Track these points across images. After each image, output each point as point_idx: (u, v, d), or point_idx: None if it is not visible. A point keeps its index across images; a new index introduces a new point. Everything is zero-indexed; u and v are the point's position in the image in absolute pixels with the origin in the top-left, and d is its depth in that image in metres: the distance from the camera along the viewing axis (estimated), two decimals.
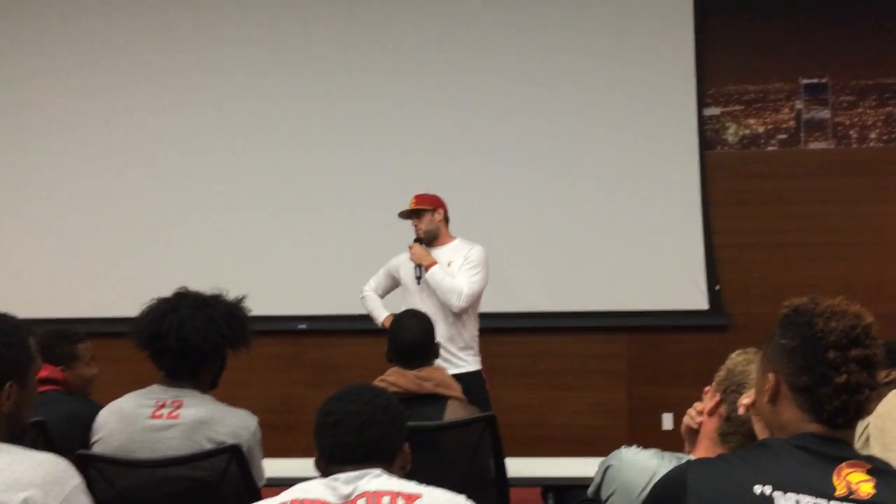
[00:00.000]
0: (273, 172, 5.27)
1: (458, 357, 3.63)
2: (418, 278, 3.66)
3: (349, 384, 1.61)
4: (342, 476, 1.42)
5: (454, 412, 2.43)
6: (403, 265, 3.81)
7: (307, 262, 5.16)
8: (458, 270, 3.64)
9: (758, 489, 1.26)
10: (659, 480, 1.37)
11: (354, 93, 5.25)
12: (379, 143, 5.21)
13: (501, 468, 2.31)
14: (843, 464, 1.29)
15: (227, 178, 5.29)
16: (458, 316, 3.63)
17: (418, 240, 3.71)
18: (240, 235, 5.23)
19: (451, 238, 3.79)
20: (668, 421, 4.98)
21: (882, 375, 2.69)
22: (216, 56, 5.35)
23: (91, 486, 2.05)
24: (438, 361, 3.52)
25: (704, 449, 1.75)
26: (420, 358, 2.61)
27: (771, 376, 1.39)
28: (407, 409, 2.50)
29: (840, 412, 1.33)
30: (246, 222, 5.25)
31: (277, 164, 5.27)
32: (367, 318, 4.21)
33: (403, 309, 3.69)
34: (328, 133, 5.25)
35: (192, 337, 2.13)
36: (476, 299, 3.66)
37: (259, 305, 4.65)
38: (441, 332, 3.55)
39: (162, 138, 5.34)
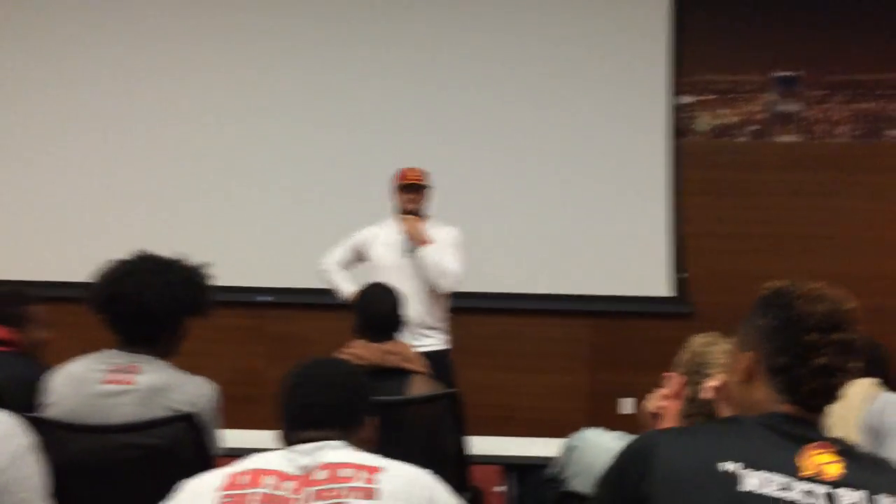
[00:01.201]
0: (242, 142, 5.17)
1: (428, 335, 3.61)
2: (408, 252, 3.59)
3: (314, 357, 1.60)
4: (301, 447, 1.38)
5: (419, 388, 2.40)
6: (373, 241, 3.72)
7: (271, 234, 5.08)
8: (443, 251, 3.60)
9: (722, 466, 1.24)
10: (628, 445, 1.35)
11: (328, 66, 5.16)
12: (350, 116, 5.13)
13: (463, 445, 2.28)
14: (810, 444, 1.28)
15: (194, 146, 5.18)
16: (434, 295, 3.59)
17: (410, 213, 3.64)
18: (205, 205, 5.13)
19: (427, 217, 3.74)
20: (627, 406, 5.00)
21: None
22: (186, 30, 5.23)
23: (42, 450, 1.99)
24: (408, 338, 3.54)
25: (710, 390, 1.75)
26: (389, 331, 2.58)
27: (748, 355, 1.38)
28: (371, 383, 2.47)
29: (814, 394, 1.33)
30: (212, 192, 5.14)
31: (247, 134, 5.16)
32: (330, 293, 4.16)
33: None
34: (298, 104, 5.16)
35: (149, 302, 2.05)
36: None
37: (222, 276, 4.59)
38: (415, 311, 3.53)
39: (129, 102, 5.21)
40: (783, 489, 1.22)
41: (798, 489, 1.22)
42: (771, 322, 1.36)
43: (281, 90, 5.16)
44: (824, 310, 1.33)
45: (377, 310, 2.62)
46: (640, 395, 5.09)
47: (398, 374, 2.42)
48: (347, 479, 1.31)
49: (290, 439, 1.43)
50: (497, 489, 3.65)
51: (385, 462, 1.37)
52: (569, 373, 5.05)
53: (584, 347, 5.08)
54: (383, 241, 3.69)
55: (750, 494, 1.22)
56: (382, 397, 2.18)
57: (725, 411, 1.74)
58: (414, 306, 3.54)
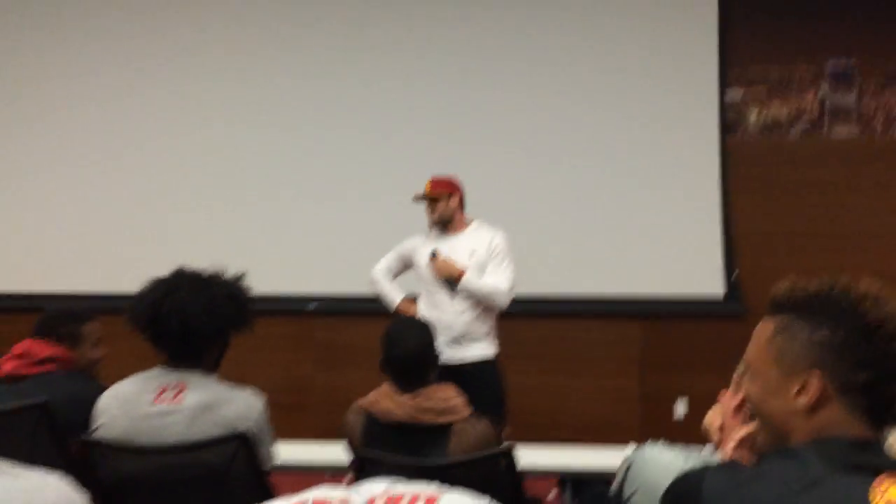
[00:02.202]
0: (284, 149, 5.19)
1: (476, 344, 3.56)
2: (450, 289, 3.51)
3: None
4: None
5: (459, 442, 2.16)
6: (419, 250, 3.68)
7: (317, 241, 5.09)
8: (486, 262, 3.53)
9: None
10: (672, 484, 1.22)
11: (367, 70, 5.16)
12: (393, 121, 5.12)
13: (519, 495, 2.09)
14: (883, 475, 1.10)
15: (236, 155, 5.21)
16: (480, 306, 3.55)
17: (433, 254, 3.56)
18: (249, 213, 5.16)
19: (467, 223, 3.67)
20: (680, 409, 4.91)
21: None
22: (222, 34, 5.27)
23: (95, 471, 2.00)
24: (453, 351, 3.49)
25: (732, 450, 1.67)
26: (417, 376, 2.24)
27: (814, 377, 1.18)
28: (401, 438, 2.22)
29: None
30: (256, 200, 5.18)
31: (288, 141, 5.19)
32: (376, 300, 4.11)
33: (421, 293, 3.65)
34: (340, 110, 5.16)
35: (193, 320, 2.05)
36: None
37: (268, 284, 4.61)
38: (465, 322, 3.51)
39: (169, 112, 5.27)
40: None
41: None
42: (835, 334, 1.18)
43: (324, 95, 5.16)
44: None
45: (401, 352, 2.29)
46: (693, 398, 5.02)
47: (436, 430, 2.17)
48: None
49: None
50: (550, 497, 3.60)
51: (443, 491, 1.31)
52: (619, 376, 4.96)
53: (634, 350, 4.99)
54: (427, 250, 3.63)
55: None
56: (422, 461, 1.99)
57: (731, 447, 1.64)
58: (460, 317, 3.51)
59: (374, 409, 2.26)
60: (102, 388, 2.17)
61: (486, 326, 3.60)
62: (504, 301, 3.52)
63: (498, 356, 3.64)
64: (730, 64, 4.97)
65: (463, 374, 3.45)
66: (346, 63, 5.17)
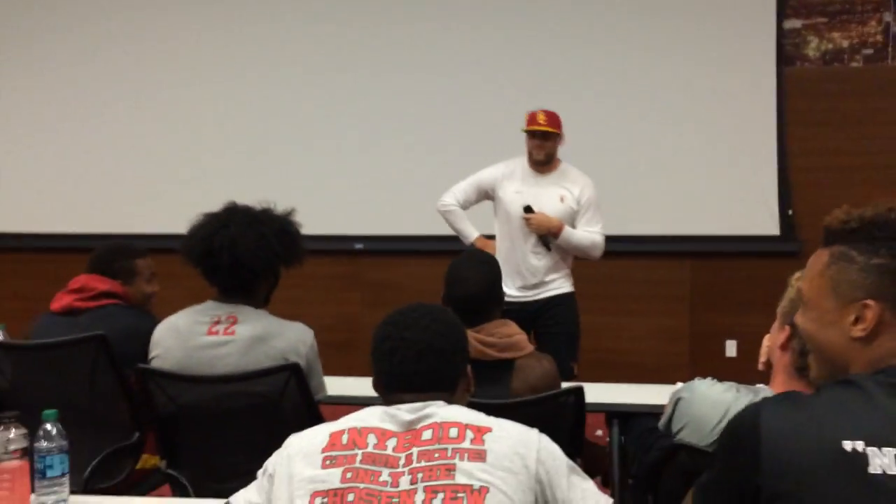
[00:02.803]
0: (330, 91, 5.17)
1: (556, 281, 3.53)
2: (547, 245, 3.43)
3: (406, 305, 1.47)
4: (404, 406, 1.33)
5: (523, 378, 2.12)
6: (504, 184, 3.50)
7: (364, 182, 5.09)
8: (575, 212, 3.46)
9: (848, 445, 1.05)
10: (729, 422, 1.20)
11: (418, 12, 5.08)
12: (445, 62, 5.04)
13: (580, 439, 2.11)
14: None
15: (284, 98, 5.21)
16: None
17: (528, 209, 3.40)
18: (296, 155, 5.18)
19: (559, 161, 3.52)
20: (731, 348, 4.86)
21: None
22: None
23: (152, 400, 2.06)
24: (532, 290, 3.45)
25: (782, 384, 1.65)
26: (480, 315, 2.14)
27: (871, 304, 1.16)
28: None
29: None
30: (303, 141, 5.19)
31: (334, 83, 5.16)
32: (422, 240, 4.09)
33: (497, 227, 3.55)
34: (387, 53, 5.11)
35: (244, 255, 2.07)
36: None
37: (316, 225, 4.65)
38: (549, 259, 3.47)
39: (218, 55, 5.28)
40: None
41: None
42: (893, 259, 1.16)
43: (380, 42, 5.10)
44: None
45: (464, 292, 2.15)
46: (745, 337, 4.95)
47: (499, 365, 2.11)
48: (454, 439, 1.26)
49: (389, 399, 1.38)
50: (598, 432, 3.62)
51: (493, 421, 1.31)
52: (671, 315, 4.92)
53: (685, 289, 4.93)
54: (516, 187, 3.49)
55: (883, 477, 1.04)
56: (483, 400, 1.85)
57: (780, 382, 1.61)
58: (542, 255, 3.47)
59: None
60: (157, 322, 2.22)
61: (564, 266, 3.55)
62: (598, 254, 3.48)
63: (574, 294, 3.61)
64: None
65: (539, 309, 3.45)
66: (392, 2, 5.10)
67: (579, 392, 2.07)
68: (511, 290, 3.35)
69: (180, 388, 2.03)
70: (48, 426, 1.56)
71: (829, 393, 1.14)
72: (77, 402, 2.24)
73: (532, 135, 3.44)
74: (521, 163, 3.54)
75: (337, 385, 2.49)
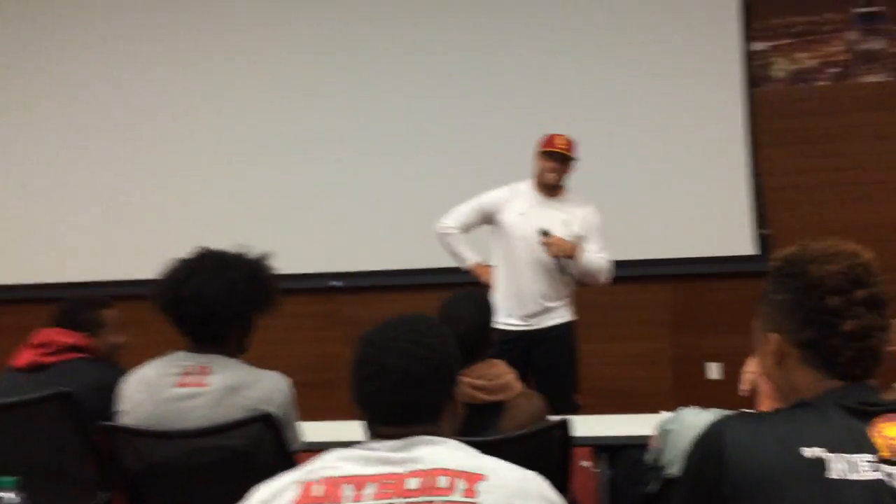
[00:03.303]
0: (303, 124, 5.12)
1: (554, 309, 3.48)
2: (562, 270, 3.38)
3: (387, 321, 1.35)
4: (385, 444, 1.21)
5: (511, 418, 2.10)
6: (507, 207, 3.46)
7: (340, 218, 5.03)
8: (580, 236, 3.44)
9: (807, 452, 1.11)
10: (695, 440, 1.24)
11: (385, 42, 5.06)
12: (413, 93, 5.02)
13: (565, 474, 2.06)
14: (878, 417, 1.16)
15: (254, 132, 5.15)
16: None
17: (545, 232, 3.37)
18: (270, 192, 5.11)
19: (563, 189, 3.51)
20: (713, 371, 4.82)
21: None
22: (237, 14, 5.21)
23: (119, 458, 1.97)
24: (534, 319, 3.40)
25: (768, 408, 1.62)
26: (471, 355, 2.09)
27: (772, 337, 1.26)
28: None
29: (855, 362, 1.20)
30: (276, 177, 5.12)
31: (307, 116, 5.12)
32: (403, 274, 4.04)
33: (497, 252, 3.50)
34: (362, 83, 5.07)
35: (212, 304, 1.99)
36: None
37: (293, 264, 4.57)
38: (550, 288, 3.42)
39: (185, 92, 5.22)
40: (873, 471, 1.10)
41: (884, 470, 1.11)
42: (787, 295, 1.24)
43: (354, 73, 5.07)
44: (839, 268, 1.20)
45: (457, 332, 2.18)
46: (727, 358, 4.92)
47: (489, 408, 2.09)
48: (443, 490, 1.13)
49: (369, 430, 1.28)
50: (584, 464, 3.55)
51: (487, 465, 1.20)
52: (651, 339, 4.88)
53: (665, 312, 4.90)
54: (518, 209, 3.45)
55: (842, 482, 1.09)
56: (468, 438, 1.92)
57: (766, 407, 1.61)
58: (547, 281, 3.40)
59: None
60: (126, 374, 2.14)
61: (565, 294, 3.50)
62: (606, 279, 3.45)
63: (575, 323, 3.55)
64: (753, 17, 4.82)
65: (539, 339, 3.39)
66: (366, 36, 5.07)
67: (564, 426, 2.03)
68: (511, 318, 3.29)
69: (149, 445, 1.95)
70: (8, 495, 1.48)
71: (785, 411, 1.22)
72: (42, 462, 2.16)
73: (550, 156, 3.41)
74: (525, 186, 3.50)
75: (316, 430, 2.41)
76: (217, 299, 2.00)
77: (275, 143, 5.13)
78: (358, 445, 1.24)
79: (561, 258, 3.35)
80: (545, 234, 3.35)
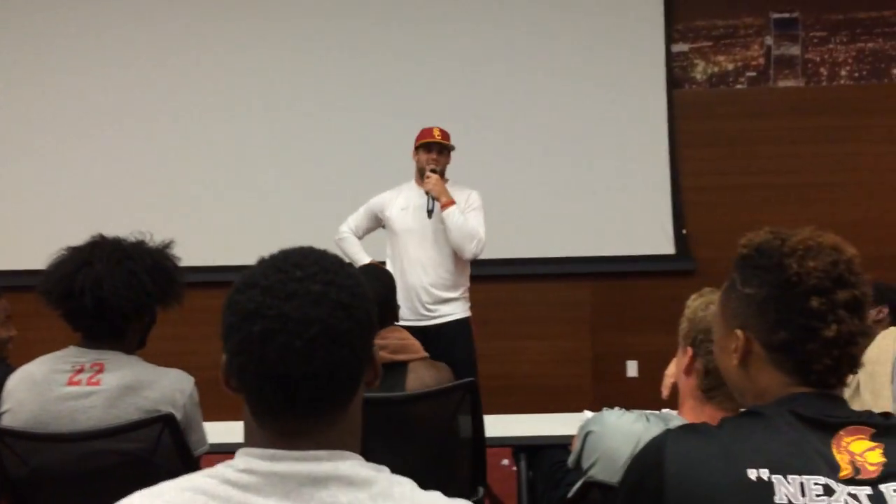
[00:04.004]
0: (232, 112, 4.94)
1: (449, 303, 3.43)
2: (430, 212, 3.33)
3: (282, 251, 0.96)
4: (280, 464, 0.87)
5: (417, 377, 2.14)
6: (390, 205, 3.48)
7: (248, 210, 4.87)
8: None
9: (753, 474, 1.01)
10: (634, 458, 1.15)
11: (330, 35, 4.94)
12: (349, 79, 4.90)
13: (479, 435, 2.05)
14: (842, 431, 1.05)
15: (176, 118, 4.94)
16: (455, 260, 3.40)
17: (433, 170, 3.36)
18: (176, 183, 4.91)
19: (446, 180, 3.49)
20: (632, 368, 4.86)
21: (872, 314, 2.57)
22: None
23: (1, 462, 1.80)
24: (425, 311, 3.35)
25: (691, 409, 1.58)
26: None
27: (739, 334, 1.14)
28: None
29: (832, 371, 1.09)
30: (182, 167, 4.92)
31: (237, 105, 4.94)
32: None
33: (388, 253, 3.49)
34: (296, 73, 4.93)
35: (111, 296, 1.82)
36: None
37: (203, 256, 4.38)
38: (436, 276, 3.36)
39: (131, 93, 4.96)
40: (825, 495, 0.99)
41: (841, 493, 1.00)
42: (759, 290, 1.11)
43: (292, 73, 4.93)
44: (822, 266, 1.08)
45: None
46: (645, 356, 4.98)
47: (392, 367, 2.11)
48: None
49: (260, 421, 0.91)
50: (504, 462, 3.50)
51: (400, 491, 0.89)
52: (571, 337, 4.89)
53: (584, 310, 4.91)
54: (401, 204, 3.46)
55: None
56: (382, 394, 1.95)
57: (689, 407, 1.56)
58: (435, 272, 3.35)
59: None
60: (11, 370, 1.96)
61: (458, 287, 3.46)
62: (476, 249, 3.37)
63: (470, 319, 3.51)
64: (675, 19, 4.87)
65: (434, 335, 3.32)
66: (314, 35, 4.93)
67: (473, 387, 2.04)
68: (405, 313, 3.23)
69: (34, 448, 1.78)
70: None
71: (733, 423, 1.10)
72: None
73: (428, 148, 3.41)
74: (408, 185, 3.52)
75: (224, 429, 2.28)
76: (116, 290, 1.83)
77: (199, 132, 4.93)
78: (229, 468, 0.89)
79: (431, 197, 3.33)
80: (432, 170, 3.36)
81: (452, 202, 3.32)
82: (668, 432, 1.13)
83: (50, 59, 4.98)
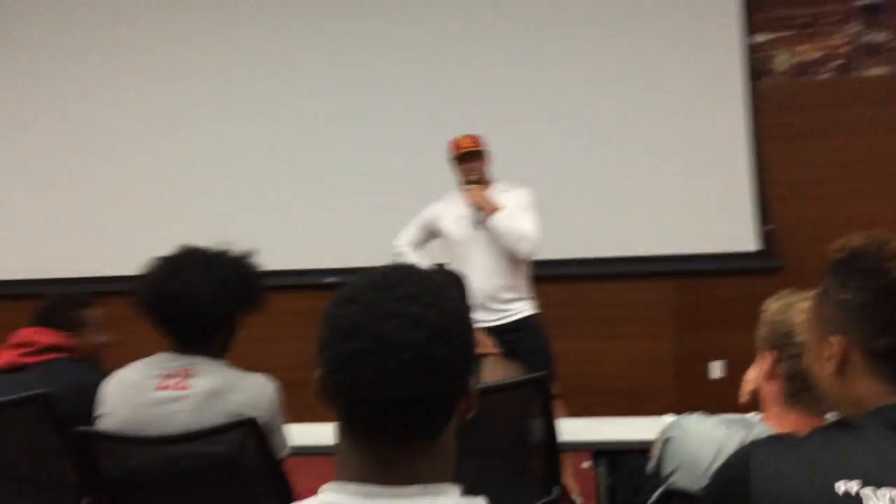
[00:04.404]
0: (297, 119, 5.04)
1: (511, 304, 3.44)
2: (477, 223, 3.37)
3: (380, 269, 0.94)
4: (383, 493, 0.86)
5: (493, 372, 2.16)
6: (443, 215, 3.54)
7: (332, 213, 4.95)
8: (513, 214, 3.40)
9: (840, 486, 0.98)
10: (719, 468, 1.14)
11: (383, 38, 4.98)
12: (410, 87, 4.93)
13: (551, 433, 2.05)
14: None
15: (246, 129, 5.07)
16: (514, 263, 3.41)
17: (472, 182, 3.42)
18: (261, 187, 5.02)
19: (492, 182, 3.53)
20: (716, 370, 4.74)
21: None
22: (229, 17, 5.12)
23: (97, 464, 1.89)
24: (489, 314, 3.34)
25: (775, 416, 1.54)
26: None
27: (835, 341, 1.11)
28: None
29: None
30: (267, 173, 5.03)
31: (301, 110, 5.03)
32: None
33: (448, 261, 3.49)
34: (356, 78, 4.99)
35: (199, 303, 1.91)
36: None
37: (284, 259, 4.47)
38: (498, 283, 3.37)
39: (175, 90, 5.13)
40: None
41: None
42: (859, 295, 1.09)
43: (348, 68, 4.98)
44: None
45: None
46: (729, 357, 4.85)
47: None
48: None
49: (351, 446, 0.90)
50: (585, 465, 3.47)
51: None
52: (653, 338, 4.80)
53: (667, 310, 4.82)
54: (452, 215, 3.50)
55: None
56: None
57: (774, 413, 1.52)
58: (492, 278, 3.36)
59: None
60: (107, 376, 2.06)
61: (518, 288, 3.46)
62: (529, 248, 3.36)
63: (538, 315, 3.52)
64: (754, 9, 4.73)
65: (503, 334, 3.32)
66: (354, 37, 4.98)
67: (541, 381, 2.03)
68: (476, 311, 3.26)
69: (127, 451, 1.86)
70: None
71: (822, 433, 1.09)
72: (19, 467, 2.08)
73: (460, 160, 3.45)
74: (455, 197, 3.54)
75: (307, 433, 2.33)
76: (204, 298, 1.92)
77: (265, 138, 5.04)
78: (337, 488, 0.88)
79: (475, 209, 3.37)
80: (471, 182, 3.39)
81: (496, 208, 3.34)
82: (753, 443, 1.11)
83: (122, 70, 5.17)
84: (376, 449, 0.88)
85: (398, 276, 0.90)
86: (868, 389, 1.09)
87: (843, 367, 1.12)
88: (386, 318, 0.86)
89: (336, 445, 0.92)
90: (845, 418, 1.10)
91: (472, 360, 0.91)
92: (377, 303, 0.87)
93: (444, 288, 0.91)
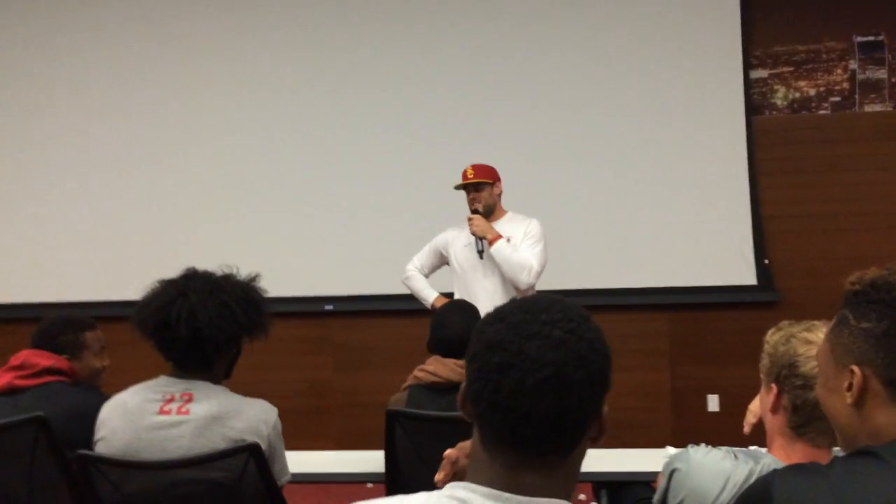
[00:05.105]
0: (296, 147, 5.07)
1: None
2: (480, 252, 3.45)
3: (531, 297, 1.03)
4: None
5: None
6: (453, 242, 3.60)
7: (332, 241, 4.96)
8: (519, 245, 3.45)
9: None
10: (740, 495, 1.14)
11: (382, 63, 5.02)
12: (409, 116, 4.97)
13: None
14: None
15: (251, 154, 5.09)
16: (519, 292, 3.43)
17: (476, 212, 3.49)
18: (262, 215, 5.04)
19: (504, 212, 3.60)
20: (713, 403, 4.73)
21: None
22: (226, 32, 5.15)
23: (95, 489, 1.87)
24: None
25: (781, 447, 1.53)
26: (462, 352, 2.17)
27: (856, 371, 1.11)
28: (444, 398, 2.29)
29: None
30: (268, 202, 5.05)
31: (300, 139, 5.07)
32: (394, 299, 4.00)
33: (456, 288, 3.56)
34: (354, 105, 5.03)
35: (204, 327, 1.89)
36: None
37: (284, 286, 4.47)
38: None
39: (177, 115, 5.16)
40: None
41: None
42: (879, 324, 1.11)
43: (347, 96, 5.03)
44: None
45: (447, 335, 2.49)
46: (727, 390, 4.84)
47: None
48: None
49: (489, 455, 0.96)
50: (581, 497, 3.45)
51: None
52: (649, 370, 4.79)
53: (663, 342, 4.82)
54: (462, 243, 3.57)
55: None
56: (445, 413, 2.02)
57: (779, 445, 1.51)
58: (496, 305, 3.36)
59: (422, 373, 2.43)
60: (106, 399, 2.04)
61: None
62: (529, 279, 3.40)
63: None
64: (753, 45, 4.79)
65: None
66: (361, 66, 5.03)
67: None
68: None
69: (126, 475, 1.84)
70: None
71: (844, 462, 1.09)
72: (14, 490, 2.04)
73: (465, 189, 3.52)
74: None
75: (306, 460, 2.31)
76: (209, 321, 1.90)
77: (267, 165, 5.07)
78: (469, 488, 0.94)
79: (478, 238, 3.44)
80: (475, 212, 3.47)
81: (498, 237, 3.40)
82: (775, 472, 1.11)
83: (124, 93, 5.19)
84: (506, 458, 0.95)
85: (546, 303, 0.98)
86: (888, 420, 1.09)
87: (861, 396, 1.12)
88: (530, 338, 0.94)
89: (471, 450, 1.00)
90: (867, 448, 1.09)
91: (606, 387, 0.99)
92: (524, 323, 0.95)
93: (586, 319, 1.00)
